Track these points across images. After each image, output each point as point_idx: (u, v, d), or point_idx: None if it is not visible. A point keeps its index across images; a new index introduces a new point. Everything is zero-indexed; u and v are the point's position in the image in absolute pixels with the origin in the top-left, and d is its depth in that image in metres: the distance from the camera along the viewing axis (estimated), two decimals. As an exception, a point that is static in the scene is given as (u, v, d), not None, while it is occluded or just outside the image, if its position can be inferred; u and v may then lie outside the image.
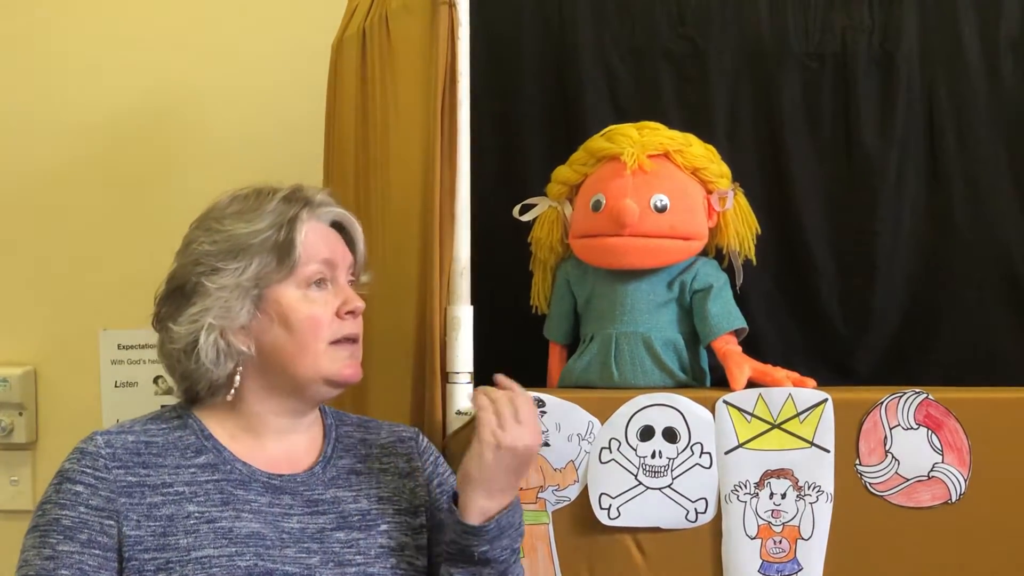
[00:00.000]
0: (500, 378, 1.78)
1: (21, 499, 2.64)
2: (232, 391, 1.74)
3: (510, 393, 1.75)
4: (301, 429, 1.79)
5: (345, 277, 1.79)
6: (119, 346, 2.61)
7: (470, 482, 1.70)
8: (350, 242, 1.83)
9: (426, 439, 1.88)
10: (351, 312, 1.76)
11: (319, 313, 1.74)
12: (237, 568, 1.64)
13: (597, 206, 2.04)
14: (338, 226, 1.82)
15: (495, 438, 1.70)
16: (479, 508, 1.70)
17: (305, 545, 1.69)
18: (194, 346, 1.72)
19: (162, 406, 2.44)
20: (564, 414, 1.96)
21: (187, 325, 1.72)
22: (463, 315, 2.03)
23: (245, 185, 1.80)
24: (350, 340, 1.77)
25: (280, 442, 1.77)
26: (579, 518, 1.95)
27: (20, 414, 2.63)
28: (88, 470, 1.67)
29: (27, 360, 2.65)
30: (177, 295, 1.74)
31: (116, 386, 2.62)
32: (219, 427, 1.76)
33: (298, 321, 1.73)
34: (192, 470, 1.71)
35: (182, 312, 1.73)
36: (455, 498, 1.73)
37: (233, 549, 1.65)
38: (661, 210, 2.02)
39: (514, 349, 2.17)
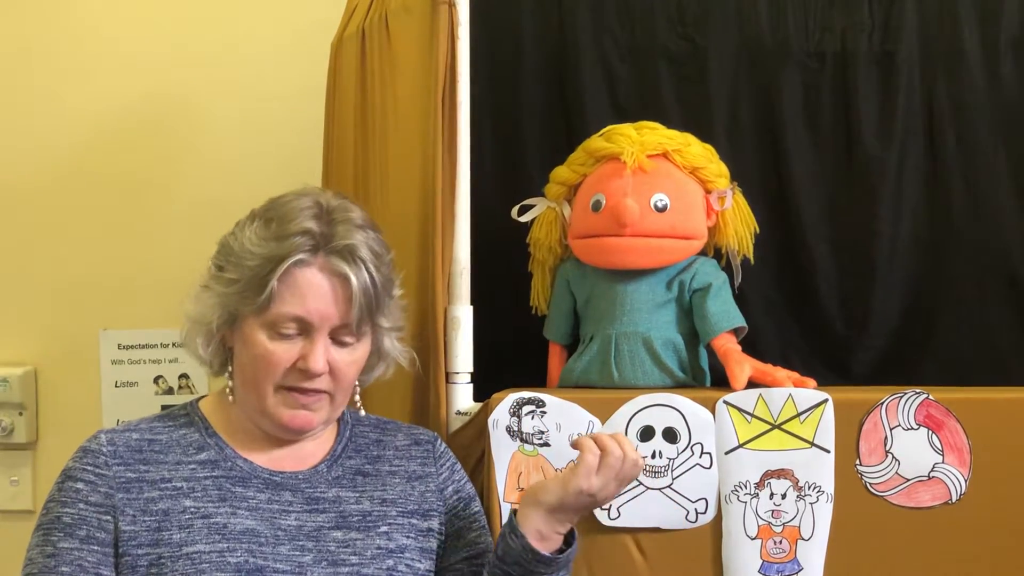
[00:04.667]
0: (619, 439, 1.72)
1: (21, 499, 2.63)
2: (228, 391, 1.74)
3: (621, 452, 1.69)
4: (304, 436, 1.77)
5: (325, 333, 1.69)
6: (119, 346, 2.61)
7: (543, 507, 1.69)
8: (350, 297, 1.69)
9: (444, 445, 1.86)
10: (304, 371, 1.68)
11: (275, 356, 1.68)
12: (227, 564, 1.64)
13: (597, 206, 2.04)
14: (345, 277, 1.69)
15: (590, 486, 1.68)
16: (537, 532, 1.69)
17: (300, 543, 1.69)
18: (191, 323, 1.74)
19: (162, 406, 2.47)
20: (564, 414, 1.95)
21: (191, 302, 1.74)
22: (463, 315, 2.03)
23: (308, 188, 1.76)
24: (304, 392, 1.70)
25: (286, 441, 1.75)
26: (579, 518, 1.95)
27: (20, 414, 2.63)
28: (89, 467, 1.68)
29: (27, 360, 2.65)
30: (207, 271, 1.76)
31: (116, 386, 2.61)
32: (225, 422, 1.75)
33: (253, 356, 1.70)
34: (192, 466, 1.71)
35: (198, 287, 1.74)
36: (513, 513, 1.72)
37: (225, 545, 1.65)
38: (661, 210, 2.02)
39: (514, 349, 2.17)
